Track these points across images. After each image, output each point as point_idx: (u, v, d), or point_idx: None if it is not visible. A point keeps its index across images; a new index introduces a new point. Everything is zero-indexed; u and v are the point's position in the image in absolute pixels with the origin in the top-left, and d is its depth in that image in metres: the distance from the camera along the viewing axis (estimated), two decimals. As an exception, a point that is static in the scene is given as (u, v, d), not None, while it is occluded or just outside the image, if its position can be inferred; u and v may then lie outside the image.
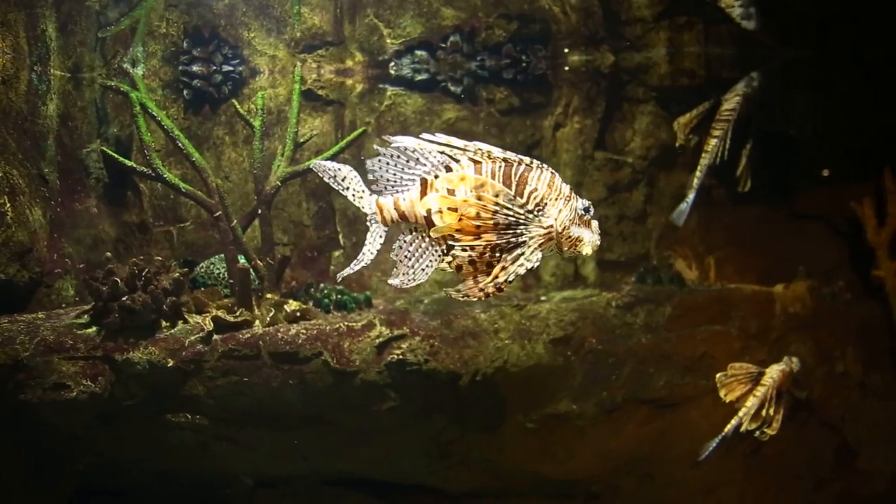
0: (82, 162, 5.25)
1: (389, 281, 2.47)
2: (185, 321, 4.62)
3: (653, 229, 5.83)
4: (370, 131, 5.55)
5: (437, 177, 2.36)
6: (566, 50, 5.54)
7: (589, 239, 2.43)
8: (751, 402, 4.31)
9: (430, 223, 2.38)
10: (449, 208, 2.33)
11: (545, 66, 5.56)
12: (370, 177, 2.43)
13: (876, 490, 5.22)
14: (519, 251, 2.38)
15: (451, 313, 4.80)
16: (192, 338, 4.50)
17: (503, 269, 2.38)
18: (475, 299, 2.41)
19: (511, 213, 2.35)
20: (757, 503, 5.24)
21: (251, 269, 4.76)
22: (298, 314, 4.72)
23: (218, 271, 5.09)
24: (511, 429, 4.90)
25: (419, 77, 5.54)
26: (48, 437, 4.60)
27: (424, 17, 5.47)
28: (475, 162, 2.36)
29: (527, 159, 2.37)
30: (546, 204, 2.38)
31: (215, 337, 4.53)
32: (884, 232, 5.34)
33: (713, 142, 5.14)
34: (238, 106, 5.03)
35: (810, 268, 5.43)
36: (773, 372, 4.41)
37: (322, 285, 5.26)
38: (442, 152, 2.37)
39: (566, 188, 2.40)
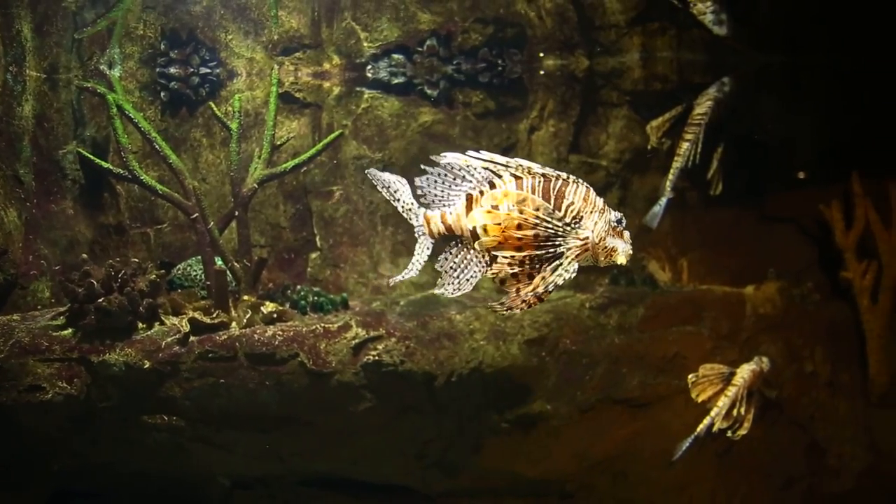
0: (58, 163, 5.24)
1: (435, 290, 2.60)
2: (162, 323, 4.63)
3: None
4: (347, 134, 5.58)
5: (481, 192, 2.48)
6: (541, 54, 5.60)
7: (622, 248, 2.54)
8: (722, 402, 4.36)
9: (475, 236, 2.50)
10: (493, 223, 2.45)
11: (520, 70, 5.61)
12: (419, 192, 2.55)
13: (844, 487, 5.32)
14: (557, 262, 2.49)
15: (426, 315, 4.85)
16: (169, 339, 4.52)
17: (542, 279, 2.49)
18: (518, 311, 2.52)
19: (550, 226, 2.47)
20: (728, 501, 5.32)
21: (228, 271, 4.78)
22: (275, 316, 4.74)
23: (195, 273, 5.11)
24: (486, 429, 4.95)
25: (396, 80, 5.58)
26: (24, 439, 4.59)
27: (401, 21, 5.51)
28: (516, 178, 2.47)
29: (564, 174, 2.48)
30: (582, 217, 2.50)
31: (192, 338, 4.54)
32: (851, 234, 5.43)
33: (685, 145, 5.22)
34: (215, 108, 5.04)
35: (780, 269, 5.51)
36: (744, 372, 4.46)
37: (299, 287, 5.28)
38: (486, 168, 2.49)
39: (600, 201, 2.53)
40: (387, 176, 2.62)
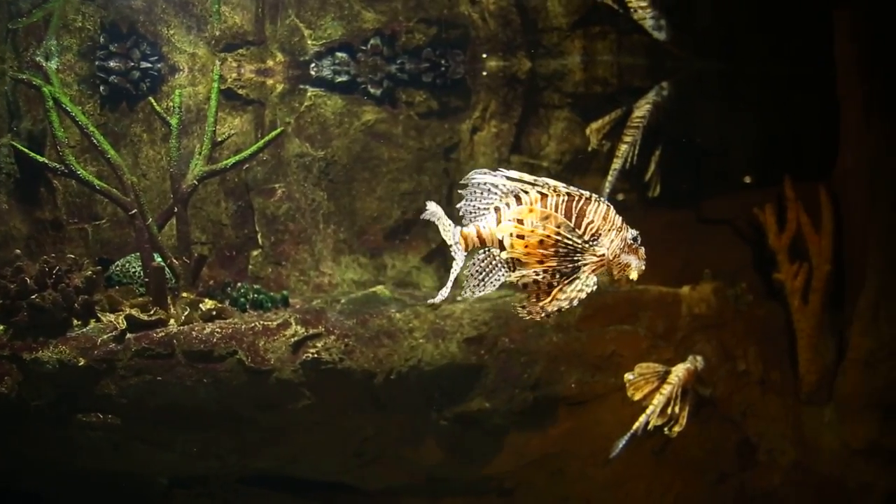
0: (-8, 157, 5.14)
1: (463, 293, 2.79)
2: (98, 320, 4.58)
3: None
4: (289, 131, 5.57)
5: (508, 205, 2.67)
6: (484, 55, 5.65)
7: (636, 265, 2.75)
8: (657, 400, 4.45)
9: (501, 247, 2.69)
10: (518, 235, 2.64)
11: (463, 70, 5.66)
12: (459, 213, 2.75)
13: (773, 482, 5.45)
14: (575, 276, 2.70)
15: (366, 313, 4.86)
16: (105, 336, 4.47)
17: (561, 290, 2.70)
18: (538, 318, 2.73)
19: (570, 242, 2.67)
20: (663, 496, 5.43)
21: (167, 268, 4.74)
22: (214, 313, 4.72)
23: (134, 270, 5.05)
24: (425, 427, 4.98)
25: (340, 79, 5.58)
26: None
27: (345, 20, 5.51)
28: (542, 195, 2.66)
29: (586, 193, 2.67)
30: (600, 234, 2.70)
31: (129, 336, 4.49)
32: (784, 237, 5.56)
33: (624, 147, 5.33)
34: (155, 103, 4.99)
35: (715, 270, 5.62)
36: (679, 370, 4.56)
37: (239, 284, 5.26)
38: (513, 183, 2.68)
39: (619, 219, 2.72)
40: (434, 207, 2.77)
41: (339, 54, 5.54)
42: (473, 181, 2.70)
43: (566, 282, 2.70)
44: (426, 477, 5.22)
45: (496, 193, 2.69)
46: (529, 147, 5.84)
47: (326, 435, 4.83)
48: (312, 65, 5.55)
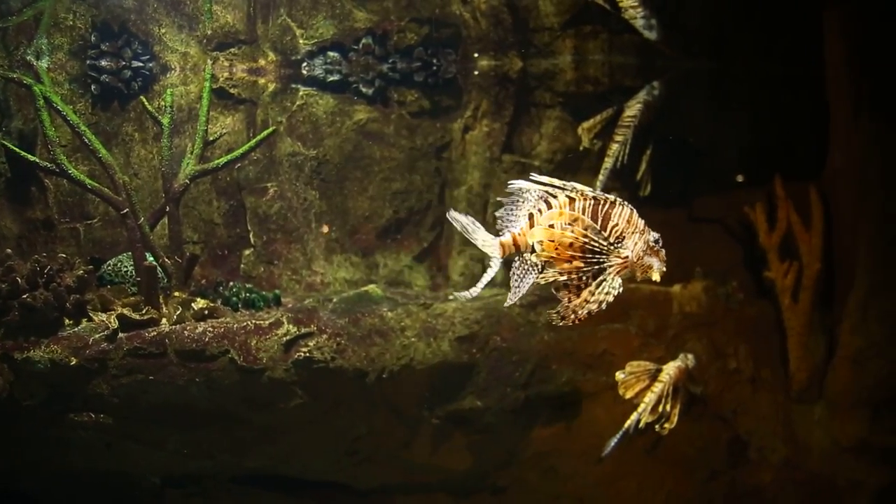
0: (-18, 156, 5.13)
1: (509, 299, 2.88)
2: (90, 319, 4.57)
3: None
4: (281, 131, 5.57)
5: (540, 211, 2.79)
6: (476, 55, 5.66)
7: (657, 266, 2.88)
8: (649, 398, 4.47)
9: (533, 250, 2.81)
10: (549, 239, 2.76)
11: (455, 69, 5.66)
12: (498, 224, 2.86)
13: (764, 479, 5.48)
14: (601, 278, 2.81)
15: (358, 312, 4.87)
16: (97, 336, 4.46)
17: (590, 293, 2.81)
18: (571, 322, 2.84)
19: (596, 244, 2.77)
20: (654, 494, 5.45)
21: (159, 267, 4.74)
22: (206, 312, 4.72)
23: (125, 269, 5.05)
24: (418, 425, 4.99)
25: (331, 78, 5.58)
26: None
27: (337, 19, 5.52)
28: (571, 199, 2.77)
29: (611, 198, 2.78)
30: (624, 237, 2.81)
31: (120, 335, 4.50)
32: (774, 235, 5.59)
33: (615, 146, 5.34)
34: (146, 103, 4.99)
35: (706, 269, 5.64)
36: (670, 368, 4.58)
37: (231, 283, 5.27)
38: (544, 190, 2.80)
39: (641, 223, 2.83)
40: (463, 218, 2.85)
41: (330, 53, 5.55)
42: (512, 190, 2.82)
43: (594, 285, 2.81)
44: (419, 475, 5.23)
45: (531, 200, 2.81)
46: (521, 146, 5.85)
47: (319, 434, 4.83)
48: (304, 64, 5.55)
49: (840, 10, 5.27)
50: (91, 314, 4.59)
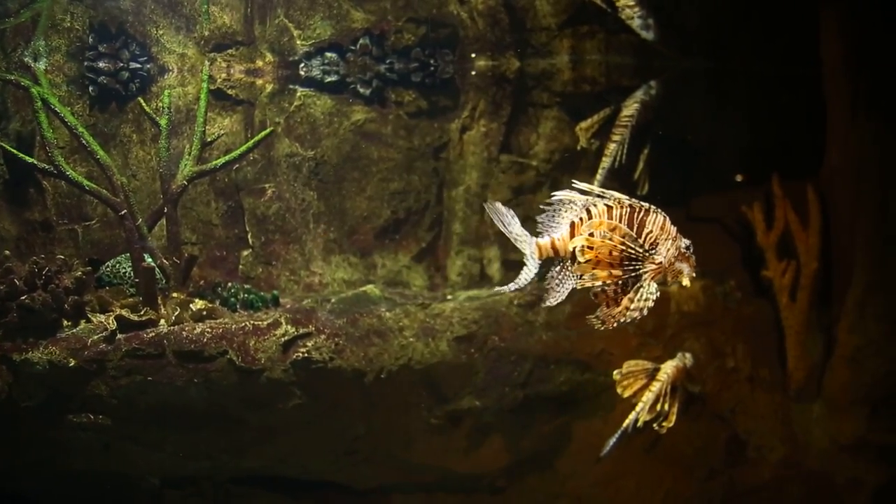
0: (-20, 158, 5.13)
1: (546, 303, 3.01)
2: (89, 320, 4.58)
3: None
4: (279, 131, 5.57)
5: (581, 220, 2.87)
6: (473, 55, 5.66)
7: (687, 271, 2.97)
8: (647, 397, 4.48)
9: (573, 257, 2.90)
10: (588, 247, 2.85)
11: (452, 70, 5.67)
12: (538, 226, 2.95)
13: (762, 478, 5.48)
14: (638, 284, 2.91)
15: (356, 312, 4.88)
16: (95, 337, 4.47)
17: (630, 300, 2.90)
18: (611, 327, 2.93)
19: (633, 251, 2.87)
20: (653, 493, 5.46)
21: (157, 269, 4.75)
22: (204, 313, 4.73)
23: (124, 270, 5.05)
24: (416, 425, 5.00)
25: (329, 79, 5.59)
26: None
27: (334, 20, 5.52)
28: (609, 208, 2.86)
29: (646, 205, 2.89)
30: (658, 243, 2.90)
31: (119, 336, 4.50)
32: (772, 235, 5.59)
33: (612, 146, 5.33)
34: (144, 104, 4.99)
35: (704, 268, 5.61)
36: (668, 368, 4.59)
37: (229, 284, 5.27)
38: (586, 199, 2.89)
39: (674, 229, 2.92)
40: (502, 209, 2.97)
41: (328, 54, 5.55)
42: (556, 198, 2.91)
43: (633, 291, 2.91)
44: (418, 475, 5.23)
45: (575, 209, 2.89)
46: (519, 146, 5.85)
47: (317, 434, 4.84)
48: (302, 65, 5.56)
49: (837, 10, 5.27)
50: (89, 315, 4.60)
